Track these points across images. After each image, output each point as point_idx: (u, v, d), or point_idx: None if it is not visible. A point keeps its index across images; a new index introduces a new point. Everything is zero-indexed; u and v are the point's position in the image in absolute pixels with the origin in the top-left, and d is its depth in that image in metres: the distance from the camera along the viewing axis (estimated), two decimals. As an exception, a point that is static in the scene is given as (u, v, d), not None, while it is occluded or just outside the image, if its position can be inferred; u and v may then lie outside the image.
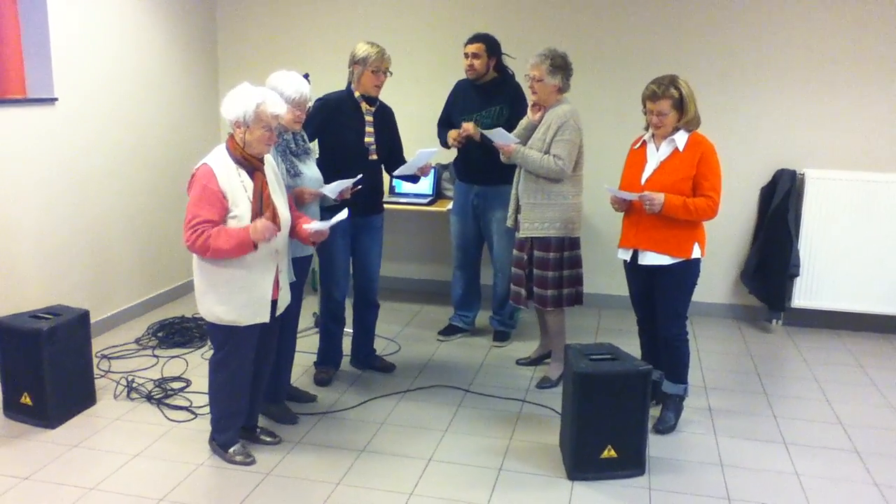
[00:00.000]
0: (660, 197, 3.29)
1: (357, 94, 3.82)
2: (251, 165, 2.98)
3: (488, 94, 4.34)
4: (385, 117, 3.95)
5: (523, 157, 3.82)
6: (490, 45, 4.29)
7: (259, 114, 2.91)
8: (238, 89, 2.96)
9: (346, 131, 3.80)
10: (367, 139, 3.83)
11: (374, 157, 3.86)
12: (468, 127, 4.23)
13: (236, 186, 2.95)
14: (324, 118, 3.73)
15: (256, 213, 2.95)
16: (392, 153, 3.98)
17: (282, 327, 3.31)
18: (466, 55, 4.30)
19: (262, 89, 2.99)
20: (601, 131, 4.89)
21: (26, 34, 4.13)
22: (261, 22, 5.57)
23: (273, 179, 3.10)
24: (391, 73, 3.86)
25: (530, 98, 3.94)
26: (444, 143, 4.42)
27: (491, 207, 4.45)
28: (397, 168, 3.91)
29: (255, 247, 2.92)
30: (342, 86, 3.89)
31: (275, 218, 2.99)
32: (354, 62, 3.78)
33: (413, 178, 4.04)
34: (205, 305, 3.04)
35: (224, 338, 3.08)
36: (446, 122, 4.50)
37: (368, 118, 3.84)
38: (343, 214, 3.21)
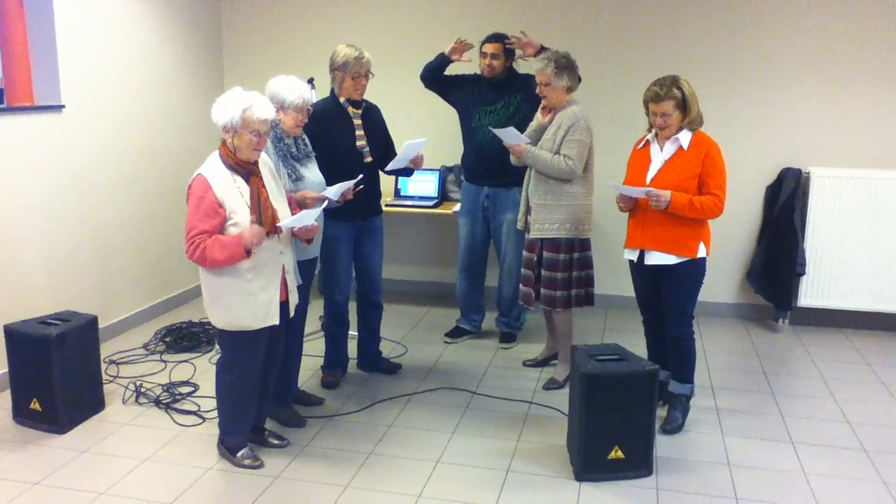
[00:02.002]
0: (666, 194, 3.29)
1: (342, 99, 3.80)
2: (245, 171, 2.97)
3: (501, 88, 4.35)
4: (373, 117, 3.92)
5: (534, 157, 3.82)
6: (507, 45, 4.31)
7: (245, 119, 2.88)
8: (227, 94, 2.94)
9: (337, 139, 3.75)
10: (359, 143, 3.81)
11: (369, 159, 3.84)
12: (522, 36, 4.20)
13: (233, 194, 2.93)
14: (313, 128, 3.57)
15: (256, 218, 2.93)
16: (385, 152, 3.94)
17: (288, 330, 3.31)
18: (485, 55, 4.29)
19: (250, 94, 2.95)
20: (606, 131, 4.88)
21: (33, 41, 4.16)
22: (266, 28, 5.59)
23: (271, 182, 3.09)
24: (373, 75, 3.81)
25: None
26: (437, 61, 4.36)
27: (502, 209, 4.45)
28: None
29: (249, 254, 2.89)
30: None
31: (275, 221, 2.98)
32: (334, 68, 3.74)
33: (407, 172, 4.01)
34: (215, 312, 3.04)
35: (234, 342, 3.08)
36: (446, 74, 4.43)
37: (357, 121, 3.82)
38: (323, 205, 3.24)
